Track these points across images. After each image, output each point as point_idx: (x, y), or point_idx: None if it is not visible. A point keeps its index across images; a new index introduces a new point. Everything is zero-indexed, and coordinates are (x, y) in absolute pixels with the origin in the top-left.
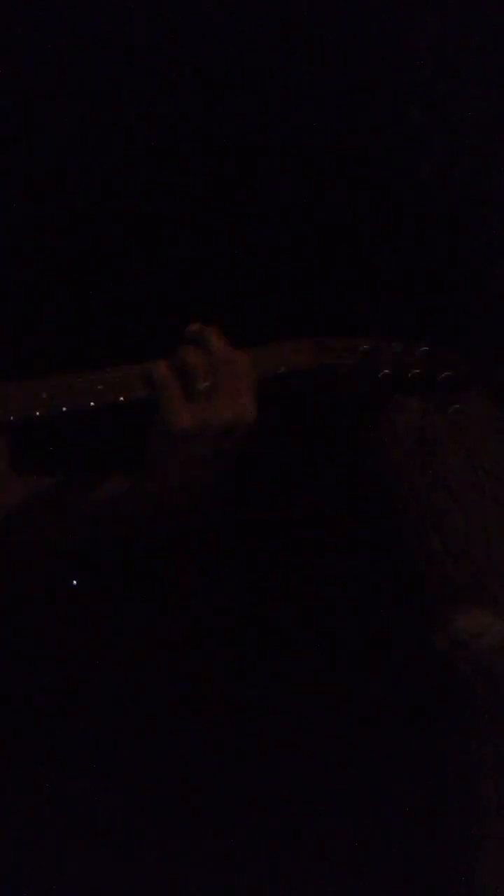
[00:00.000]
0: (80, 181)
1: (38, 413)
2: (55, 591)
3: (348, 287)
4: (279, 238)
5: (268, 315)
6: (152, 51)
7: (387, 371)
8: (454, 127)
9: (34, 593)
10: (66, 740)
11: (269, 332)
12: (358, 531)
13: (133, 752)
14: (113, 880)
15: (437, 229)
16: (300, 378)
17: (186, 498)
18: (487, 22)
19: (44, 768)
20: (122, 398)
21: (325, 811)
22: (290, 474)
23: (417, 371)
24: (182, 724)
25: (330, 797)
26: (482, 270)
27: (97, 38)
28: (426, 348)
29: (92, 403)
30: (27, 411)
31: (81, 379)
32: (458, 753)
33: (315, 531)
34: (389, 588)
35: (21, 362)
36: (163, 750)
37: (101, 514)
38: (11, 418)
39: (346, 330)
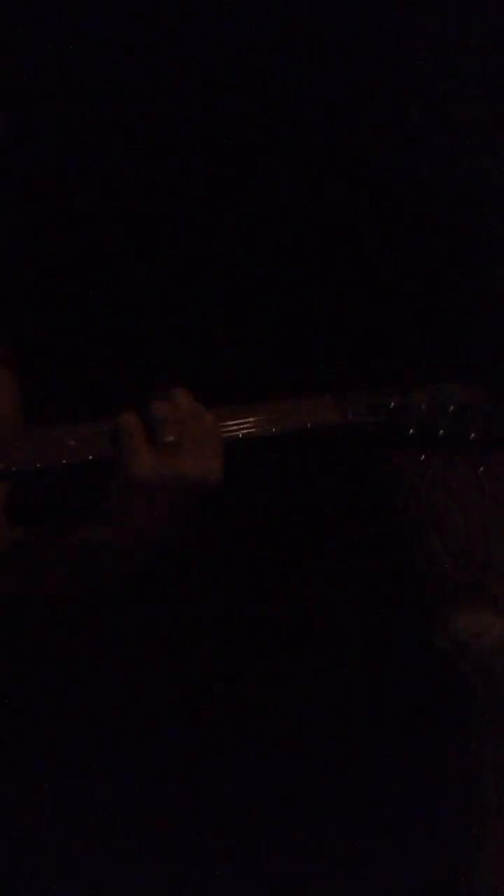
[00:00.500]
0: (79, 195)
1: (13, 468)
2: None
3: (348, 287)
4: (279, 238)
5: (266, 315)
6: (152, 51)
7: (414, 430)
8: (454, 127)
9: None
10: (66, 740)
11: (267, 332)
12: (358, 531)
13: (133, 752)
14: (113, 880)
15: (437, 229)
16: (323, 434)
17: (147, 550)
18: (487, 22)
19: (44, 768)
20: (91, 456)
21: (325, 811)
22: (290, 475)
23: (446, 430)
24: (182, 725)
25: (330, 797)
26: (482, 270)
27: (97, 39)
28: (454, 407)
29: (64, 461)
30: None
31: (55, 434)
32: (458, 753)
33: (316, 531)
34: (389, 588)
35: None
36: (163, 750)
37: (69, 565)
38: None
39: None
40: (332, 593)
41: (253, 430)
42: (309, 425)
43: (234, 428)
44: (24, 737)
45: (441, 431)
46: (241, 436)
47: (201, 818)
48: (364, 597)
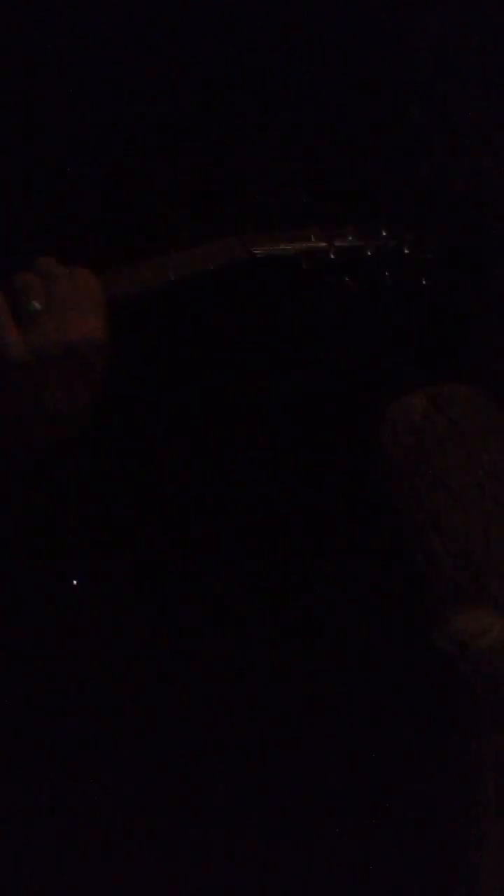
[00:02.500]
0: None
1: None
2: (55, 591)
3: (347, 287)
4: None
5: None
6: (152, 50)
7: (310, 263)
8: (454, 127)
9: (34, 593)
10: (66, 741)
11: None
12: (358, 531)
13: (133, 752)
14: (113, 880)
15: (436, 230)
16: (229, 273)
17: (49, 431)
18: (487, 22)
19: (44, 769)
20: None
21: (324, 811)
22: (289, 474)
23: (341, 250)
24: (180, 725)
25: (329, 797)
26: (482, 270)
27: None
28: (350, 238)
29: None
30: None
31: None
32: (458, 753)
33: (315, 531)
34: (389, 588)
35: None
36: (162, 749)
37: None
38: None
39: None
40: (331, 593)
41: (149, 281)
42: (212, 266)
43: (126, 283)
44: (23, 737)
45: (334, 251)
46: (135, 289)
47: (200, 819)
48: (364, 596)
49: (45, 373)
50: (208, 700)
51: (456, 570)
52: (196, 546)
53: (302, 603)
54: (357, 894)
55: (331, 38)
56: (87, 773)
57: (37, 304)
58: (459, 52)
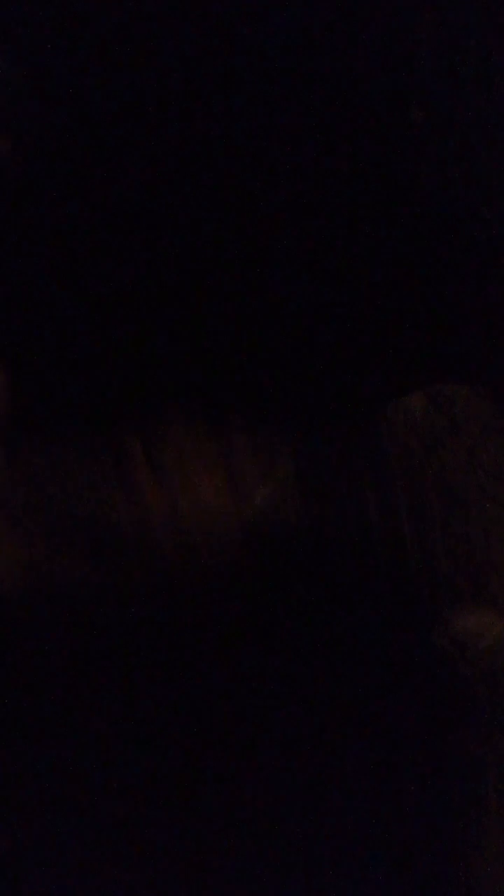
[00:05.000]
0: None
1: None
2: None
3: (348, 286)
4: (279, 238)
5: (266, 318)
6: (152, 51)
7: None
8: (454, 127)
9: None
10: (66, 742)
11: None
12: (358, 531)
13: (133, 752)
14: (113, 880)
15: (436, 230)
16: None
17: None
18: (487, 22)
19: (44, 769)
20: None
21: (324, 812)
22: (289, 475)
23: None
24: (179, 725)
25: (330, 798)
26: (482, 270)
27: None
28: None
29: None
30: None
31: None
32: (459, 753)
33: (315, 531)
34: (389, 588)
35: None
36: (161, 750)
37: None
38: None
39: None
40: (332, 594)
41: None
42: None
43: None
44: (24, 738)
45: None
46: None
47: (201, 825)
48: (365, 597)
49: None
50: (209, 700)
51: (456, 570)
52: (195, 544)
53: (302, 603)
54: (358, 894)
55: (332, 39)
56: (89, 774)
57: None
58: (459, 52)
